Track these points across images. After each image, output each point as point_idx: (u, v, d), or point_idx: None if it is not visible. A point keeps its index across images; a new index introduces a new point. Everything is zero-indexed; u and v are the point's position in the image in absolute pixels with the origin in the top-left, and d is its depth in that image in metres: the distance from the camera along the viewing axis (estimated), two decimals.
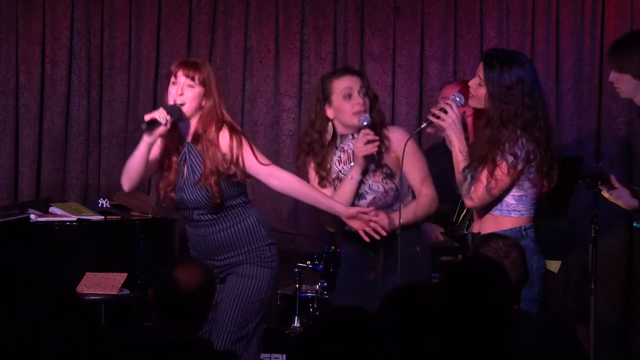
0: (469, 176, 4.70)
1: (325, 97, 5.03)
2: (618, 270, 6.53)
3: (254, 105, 6.93)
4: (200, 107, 4.80)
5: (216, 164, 4.77)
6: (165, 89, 6.80)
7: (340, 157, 5.06)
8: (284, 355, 5.76)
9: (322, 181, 5.05)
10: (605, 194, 4.99)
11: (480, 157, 4.66)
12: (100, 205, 6.36)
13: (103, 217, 6.22)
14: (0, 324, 2.12)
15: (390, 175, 5.01)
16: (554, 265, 5.68)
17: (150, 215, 6.36)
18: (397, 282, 4.77)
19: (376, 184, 5.01)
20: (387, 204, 5.01)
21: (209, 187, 4.76)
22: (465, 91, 5.91)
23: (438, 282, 5.18)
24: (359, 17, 6.85)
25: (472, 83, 4.80)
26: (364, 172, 4.99)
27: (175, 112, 4.76)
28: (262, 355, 5.63)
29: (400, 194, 5.02)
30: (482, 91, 4.71)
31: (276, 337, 5.81)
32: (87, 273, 5.71)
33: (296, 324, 5.93)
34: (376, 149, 4.94)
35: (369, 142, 4.92)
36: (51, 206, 6.27)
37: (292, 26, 6.90)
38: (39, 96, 7.01)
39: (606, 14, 6.62)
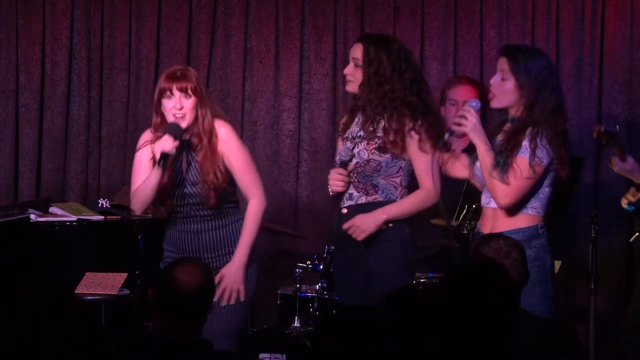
0: (502, 162, 4.65)
1: None
2: (618, 270, 6.53)
3: (254, 105, 6.92)
4: (196, 117, 4.82)
5: (213, 169, 4.82)
6: None
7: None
8: (284, 355, 5.76)
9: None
10: (615, 167, 4.98)
11: (515, 141, 4.63)
12: (100, 205, 6.35)
13: (103, 217, 6.20)
14: (1, 324, 2.12)
15: (382, 149, 4.88)
16: (553, 266, 5.68)
17: (150, 215, 6.34)
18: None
19: (364, 151, 4.91)
20: (365, 174, 4.91)
21: (208, 188, 4.83)
22: (469, 90, 5.88)
23: (438, 282, 5.19)
24: (359, 17, 6.85)
25: (495, 80, 4.76)
26: (362, 139, 4.92)
27: (179, 131, 4.80)
28: (262, 355, 5.63)
29: (382, 171, 4.89)
30: (507, 85, 4.71)
31: (276, 337, 5.81)
32: (87, 273, 5.70)
33: (296, 324, 5.92)
34: (343, 189, 4.94)
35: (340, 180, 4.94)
36: (51, 206, 6.25)
37: (292, 26, 6.89)
38: (39, 96, 7.00)
39: (606, 14, 6.62)
